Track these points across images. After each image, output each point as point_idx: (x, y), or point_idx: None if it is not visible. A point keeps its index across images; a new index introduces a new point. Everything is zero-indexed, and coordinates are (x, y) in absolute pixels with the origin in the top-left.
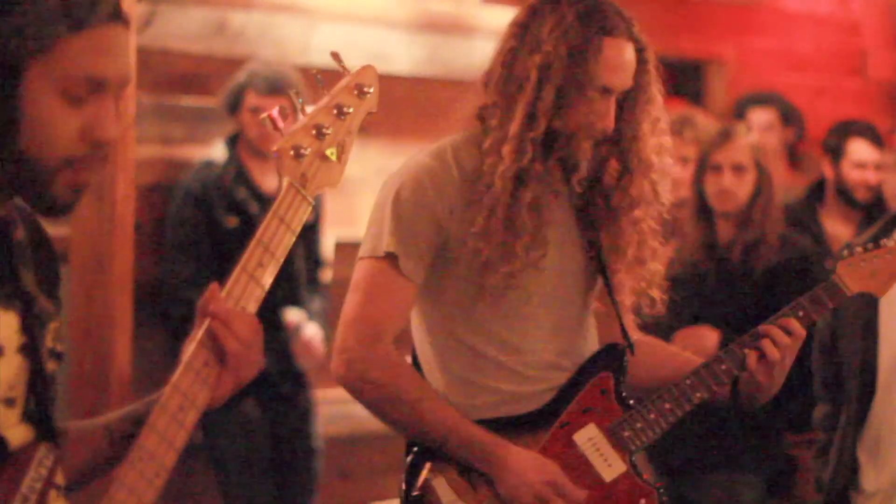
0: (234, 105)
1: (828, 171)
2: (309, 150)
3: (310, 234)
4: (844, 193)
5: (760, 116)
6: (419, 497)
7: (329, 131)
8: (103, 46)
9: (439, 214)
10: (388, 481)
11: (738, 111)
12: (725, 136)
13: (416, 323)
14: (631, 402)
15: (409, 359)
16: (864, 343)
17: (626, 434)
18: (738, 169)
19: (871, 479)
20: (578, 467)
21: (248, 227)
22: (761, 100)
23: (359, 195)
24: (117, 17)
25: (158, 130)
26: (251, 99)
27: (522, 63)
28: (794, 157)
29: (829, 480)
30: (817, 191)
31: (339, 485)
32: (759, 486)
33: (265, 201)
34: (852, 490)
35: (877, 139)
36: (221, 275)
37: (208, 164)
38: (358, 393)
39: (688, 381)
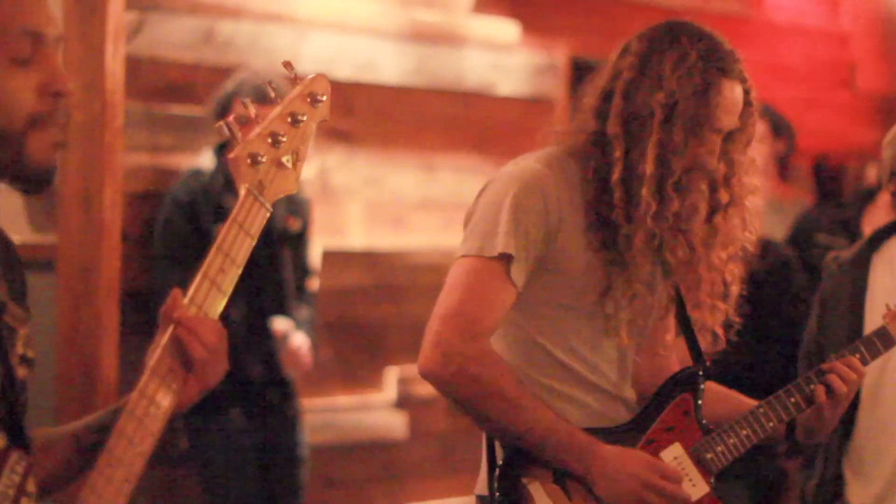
0: (223, 114)
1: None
2: (265, 157)
3: (298, 242)
4: None
5: None
6: (513, 502)
7: (284, 139)
8: (38, 2)
9: (551, 224)
10: (374, 490)
11: None
12: None
13: (508, 327)
14: (707, 424)
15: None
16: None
17: (709, 456)
18: None
19: (856, 493)
20: None
21: None
22: None
23: (346, 204)
24: None
25: (147, 139)
26: (239, 108)
27: (644, 98)
28: (784, 169)
29: (813, 494)
30: (867, 197)
31: (325, 494)
32: (747, 496)
33: None
34: (837, 503)
35: None
36: None
37: (197, 173)
38: (454, 388)
39: (761, 410)
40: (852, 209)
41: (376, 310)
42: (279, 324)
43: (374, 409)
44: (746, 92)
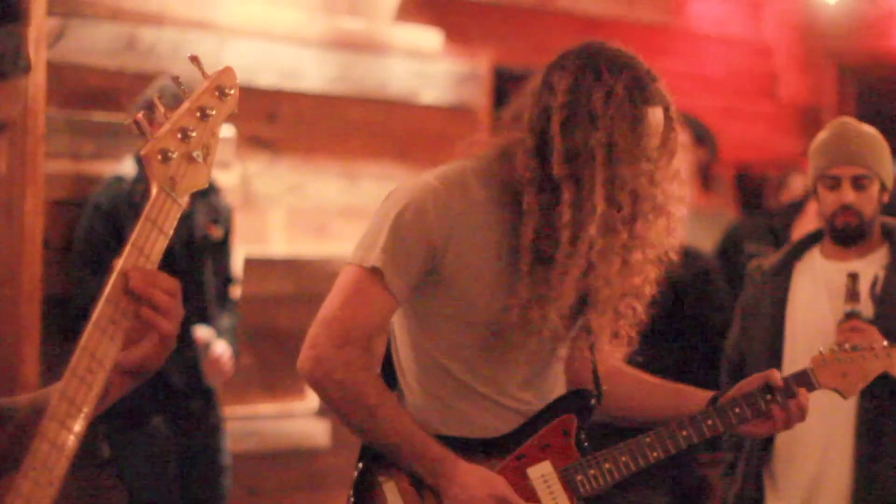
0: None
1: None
2: (176, 153)
3: (220, 250)
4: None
5: None
6: (368, 499)
7: (194, 134)
8: (16, 95)
9: (435, 240)
10: (297, 498)
11: None
12: None
13: (400, 338)
14: (587, 446)
15: (377, 370)
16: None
17: (579, 478)
18: None
19: (775, 500)
20: (526, 500)
21: None
22: None
23: (269, 212)
24: (28, 68)
25: (68, 145)
26: (160, 115)
27: (581, 137)
28: (706, 177)
29: (734, 500)
30: (796, 207)
31: (247, 501)
32: None
33: None
34: None
35: None
36: None
37: (118, 180)
38: (322, 390)
39: (647, 440)
40: (781, 219)
41: (298, 317)
42: (201, 332)
43: (296, 416)
44: (666, 109)
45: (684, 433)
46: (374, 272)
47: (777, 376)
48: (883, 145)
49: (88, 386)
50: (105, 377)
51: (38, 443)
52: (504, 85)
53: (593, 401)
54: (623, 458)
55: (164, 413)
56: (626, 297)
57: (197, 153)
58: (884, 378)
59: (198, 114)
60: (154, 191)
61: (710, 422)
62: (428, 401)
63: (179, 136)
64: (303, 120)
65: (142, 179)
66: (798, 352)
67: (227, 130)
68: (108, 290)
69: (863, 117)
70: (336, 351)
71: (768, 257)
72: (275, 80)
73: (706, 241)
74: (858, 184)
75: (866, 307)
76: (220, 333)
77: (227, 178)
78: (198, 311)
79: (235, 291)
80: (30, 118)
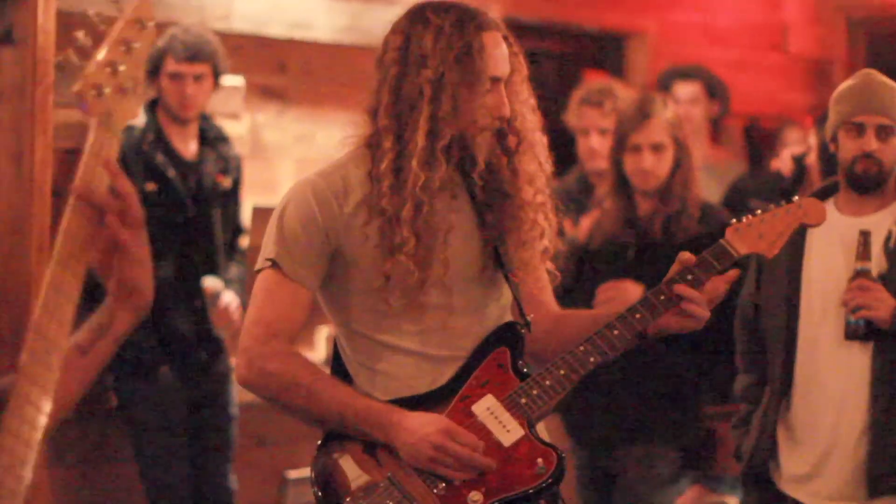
0: (154, 71)
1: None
2: (108, 87)
3: (228, 200)
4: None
5: (685, 90)
6: (328, 477)
7: (122, 67)
8: None
9: (323, 224)
10: (305, 448)
11: (663, 84)
12: (643, 115)
13: (337, 331)
14: (526, 373)
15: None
16: (786, 323)
17: (523, 401)
18: (656, 148)
19: (791, 461)
20: (478, 435)
21: (167, 192)
22: (686, 73)
23: (277, 162)
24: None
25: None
26: (170, 65)
27: (412, 83)
28: (717, 130)
29: (749, 454)
30: (798, 166)
31: (255, 451)
32: (675, 459)
33: (184, 166)
34: (772, 462)
35: None
36: None
37: (128, 129)
38: (260, 388)
39: (581, 348)
40: (791, 179)
41: None
42: (209, 282)
43: None
44: (505, 38)
45: (615, 332)
46: (275, 267)
47: (690, 256)
48: None
49: (59, 321)
50: (72, 310)
51: (19, 381)
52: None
53: (522, 329)
54: (562, 372)
55: (172, 362)
56: (522, 226)
57: (127, 85)
58: None
59: (123, 47)
60: (93, 125)
61: (637, 315)
62: (367, 375)
63: (109, 70)
64: (312, 70)
65: (151, 128)
66: (814, 306)
67: (235, 80)
68: (64, 221)
69: None
70: (262, 347)
71: None
72: (284, 30)
73: (716, 194)
74: (883, 133)
75: (880, 262)
76: (229, 283)
77: (236, 127)
78: (206, 260)
79: (244, 241)
80: (39, 67)
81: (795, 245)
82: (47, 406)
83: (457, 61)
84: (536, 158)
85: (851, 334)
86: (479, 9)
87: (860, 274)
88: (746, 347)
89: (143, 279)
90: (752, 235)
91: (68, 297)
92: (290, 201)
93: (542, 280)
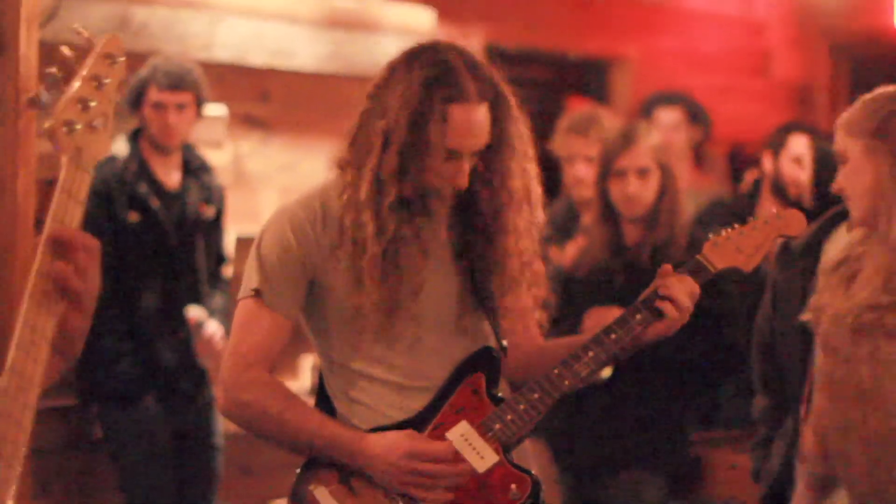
0: (137, 100)
1: (767, 167)
2: (79, 124)
3: (211, 229)
4: (780, 190)
5: (668, 116)
6: None
7: (93, 104)
8: None
9: (298, 253)
10: (290, 478)
11: (646, 110)
12: (627, 141)
13: (319, 360)
14: (500, 398)
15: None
16: (801, 354)
17: (497, 426)
18: (641, 173)
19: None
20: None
21: (150, 222)
22: (669, 99)
23: (260, 191)
24: None
25: None
26: (153, 94)
27: (372, 126)
28: (700, 156)
29: (769, 480)
30: (755, 188)
31: (240, 481)
32: (661, 485)
33: (167, 196)
34: (788, 486)
35: (818, 136)
36: (122, 269)
37: (110, 160)
38: (236, 418)
39: (556, 371)
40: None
41: None
42: (193, 311)
43: None
44: (494, 107)
45: (590, 354)
46: (256, 296)
47: (668, 269)
48: None
49: (34, 360)
50: (47, 349)
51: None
52: (497, 63)
53: (496, 354)
54: (536, 395)
55: (156, 393)
56: (504, 272)
57: (97, 122)
58: None
59: (94, 83)
60: (64, 162)
61: (613, 336)
62: (346, 404)
63: (80, 106)
64: (295, 99)
65: (134, 158)
66: None
67: (218, 109)
68: (37, 262)
69: (855, 96)
70: (238, 377)
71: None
72: (267, 58)
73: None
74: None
75: None
76: (212, 313)
77: (219, 157)
78: (190, 290)
79: (227, 271)
80: (22, 97)
81: (809, 267)
82: (21, 444)
83: (409, 125)
84: (526, 216)
85: None
86: (476, 71)
87: None
88: (763, 369)
89: (82, 333)
90: (729, 249)
91: (43, 335)
92: (266, 231)
93: (527, 315)
